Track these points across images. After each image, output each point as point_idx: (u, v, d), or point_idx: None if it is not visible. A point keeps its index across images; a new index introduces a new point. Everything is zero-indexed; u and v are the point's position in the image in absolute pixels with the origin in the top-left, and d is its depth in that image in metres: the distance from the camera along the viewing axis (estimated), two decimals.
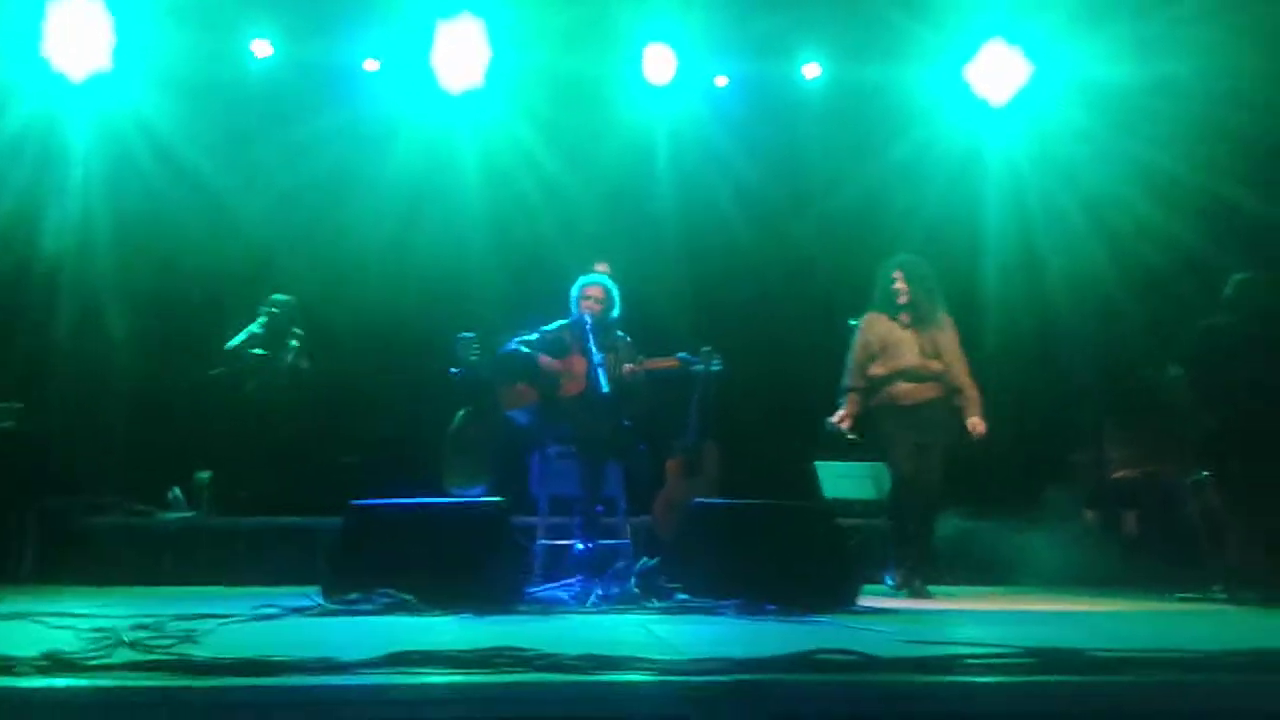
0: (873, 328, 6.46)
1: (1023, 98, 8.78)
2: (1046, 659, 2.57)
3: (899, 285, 6.42)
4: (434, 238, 8.34)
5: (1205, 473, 6.14)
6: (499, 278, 8.26)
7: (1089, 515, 7.72)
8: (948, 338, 6.43)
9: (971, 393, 6.34)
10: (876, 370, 6.35)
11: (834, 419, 6.37)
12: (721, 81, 9.04)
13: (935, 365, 6.33)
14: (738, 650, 2.68)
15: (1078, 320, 8.62)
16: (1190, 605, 5.73)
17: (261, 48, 8.34)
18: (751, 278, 8.93)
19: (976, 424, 6.26)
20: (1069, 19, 8.23)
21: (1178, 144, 7.88)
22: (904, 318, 6.43)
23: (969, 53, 8.76)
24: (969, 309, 7.84)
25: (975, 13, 8.45)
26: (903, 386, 6.30)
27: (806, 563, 4.77)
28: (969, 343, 6.69)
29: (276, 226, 8.36)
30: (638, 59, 8.69)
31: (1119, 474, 7.72)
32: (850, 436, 6.41)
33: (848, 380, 6.44)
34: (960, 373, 6.38)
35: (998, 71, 8.75)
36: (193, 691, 2.17)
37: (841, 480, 7.77)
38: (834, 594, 4.68)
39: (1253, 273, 6.47)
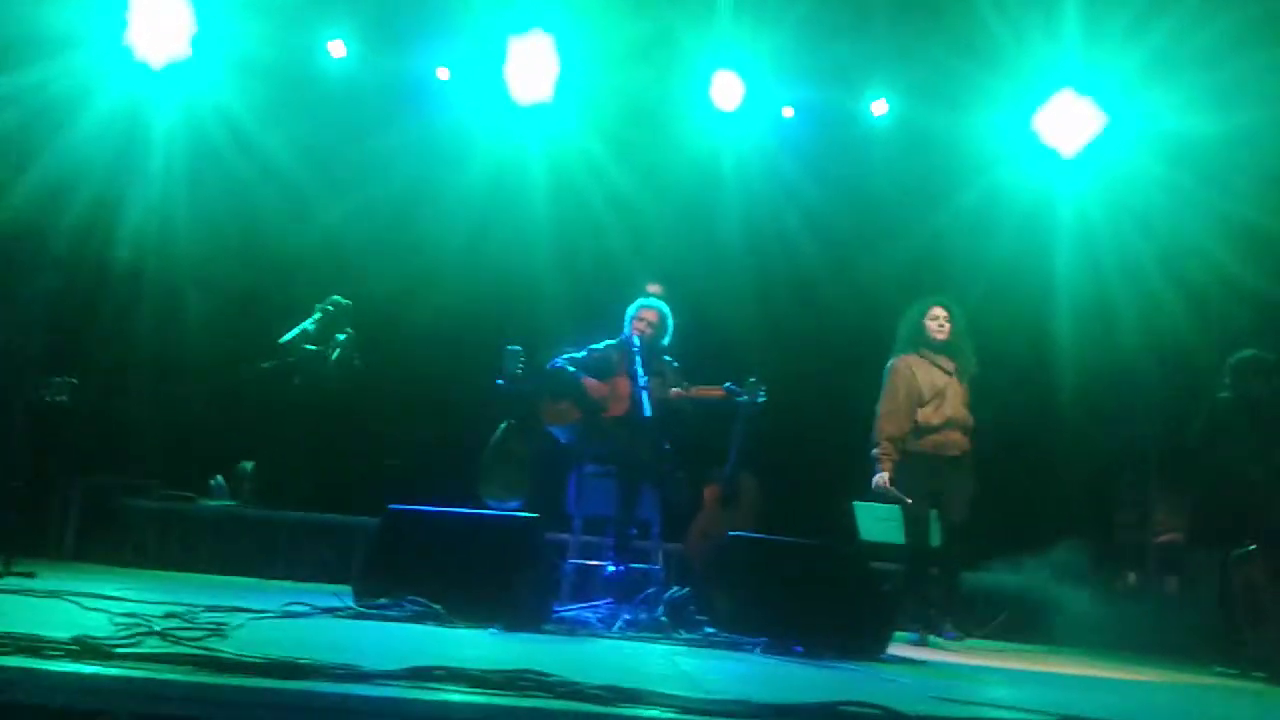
0: (915, 371, 6.27)
1: (1094, 148, 8.67)
2: None
3: (943, 325, 6.27)
4: (502, 249, 8.41)
5: (1251, 546, 5.99)
6: (560, 291, 8.30)
7: (1131, 579, 7.58)
8: (969, 391, 6.31)
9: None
10: (928, 416, 6.19)
11: (877, 483, 6.18)
12: (788, 113, 9.03)
13: (970, 418, 6.24)
14: (762, 693, 2.65)
15: (1151, 377, 8.45)
16: (1228, 681, 5.59)
17: (337, 49, 8.46)
18: (810, 311, 8.88)
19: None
20: (1141, 69, 8.11)
21: (1257, 195, 7.71)
22: (946, 362, 6.27)
23: (1038, 101, 8.67)
24: (1038, 362, 7.75)
25: (1045, 63, 8.35)
26: (952, 436, 6.17)
27: (838, 606, 4.71)
28: (1040, 398, 6.54)
29: (352, 229, 8.48)
30: (706, 83, 8.71)
31: (1165, 538, 7.58)
32: (908, 500, 6.19)
33: (888, 429, 6.19)
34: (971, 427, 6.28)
35: (1068, 122, 8.65)
36: (215, 689, 2.18)
37: (879, 523, 7.68)
38: (864, 640, 4.61)
39: (1251, 352, 6.58)
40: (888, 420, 6.23)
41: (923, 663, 4.68)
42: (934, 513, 6.25)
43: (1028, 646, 6.76)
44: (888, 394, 6.29)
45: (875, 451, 6.24)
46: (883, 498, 6.27)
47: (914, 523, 6.17)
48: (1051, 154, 8.76)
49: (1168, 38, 7.65)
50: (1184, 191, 8.09)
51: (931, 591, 6.18)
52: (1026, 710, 2.71)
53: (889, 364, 6.41)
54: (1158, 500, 8.18)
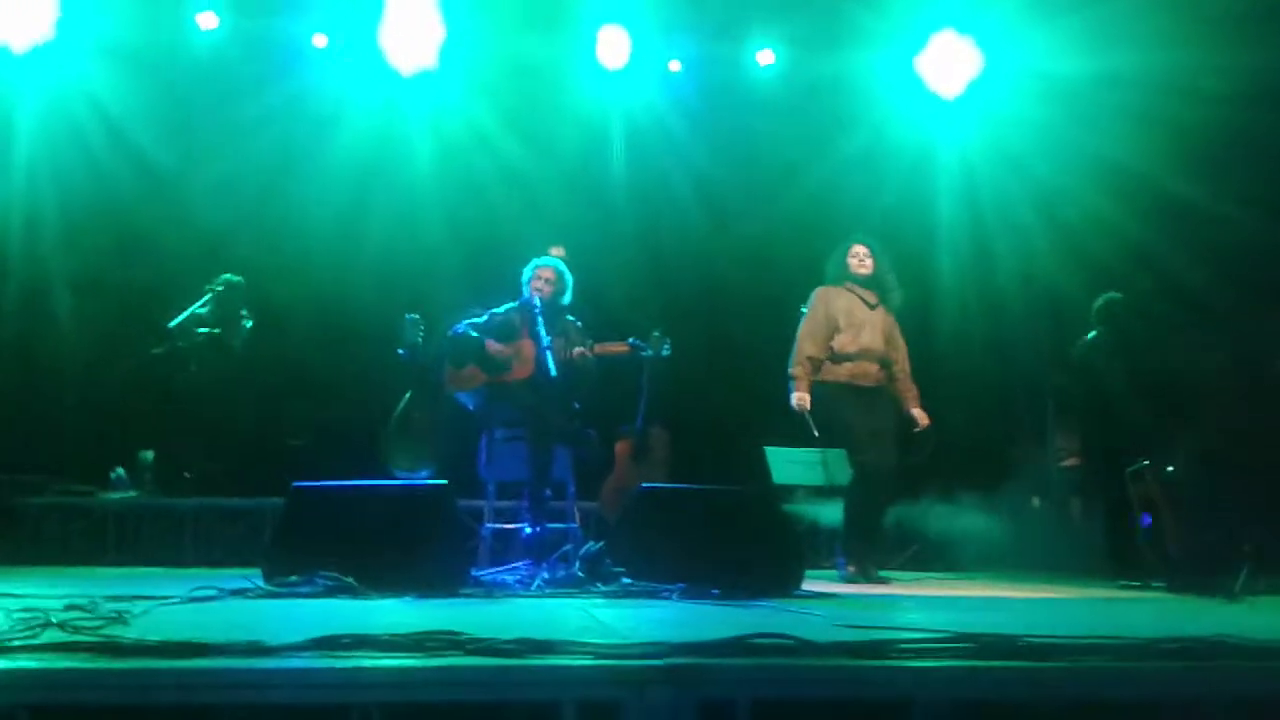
0: (834, 300, 6.33)
1: (974, 90, 8.83)
2: (979, 644, 2.59)
3: (864, 261, 6.35)
4: (386, 218, 8.26)
5: (1145, 461, 6.23)
6: (452, 260, 8.20)
7: (1036, 503, 7.82)
8: (895, 325, 6.42)
9: (914, 386, 6.37)
10: (843, 344, 6.23)
11: (796, 403, 6.20)
12: (675, 66, 9.01)
13: (891, 353, 6.32)
14: (676, 634, 2.68)
15: (1027, 312, 8.70)
16: (1130, 594, 5.81)
17: (207, 20, 8.19)
18: (706, 264, 8.93)
19: (922, 415, 6.29)
20: (1019, 9, 8.27)
21: (1126, 135, 7.94)
22: (868, 296, 6.34)
23: (919, 43, 8.78)
24: (923, 301, 7.90)
25: (925, 1, 8.47)
26: (866, 367, 6.24)
27: (751, 548, 4.77)
28: (923, 334, 6.71)
29: (224, 205, 8.23)
30: (592, 41, 8.64)
31: (1066, 463, 7.83)
32: (815, 434, 6.22)
33: (806, 349, 6.24)
34: (905, 362, 6.39)
35: (949, 63, 8.78)
36: (114, 674, 2.13)
37: (791, 466, 7.76)
38: (778, 579, 4.69)
39: (1116, 295, 7.03)
40: (804, 340, 6.30)
41: (835, 595, 4.79)
42: (841, 452, 6.34)
43: (940, 575, 6.94)
44: (807, 318, 6.36)
45: (791, 371, 6.29)
46: (799, 422, 6.28)
47: (855, 448, 6.15)
48: (933, 98, 8.90)
49: None
50: (1057, 132, 8.30)
51: (856, 532, 6.24)
52: (929, 630, 2.78)
53: (812, 292, 6.47)
54: (1056, 427, 8.45)
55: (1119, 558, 6.60)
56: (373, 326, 7.38)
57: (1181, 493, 6.06)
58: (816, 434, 6.20)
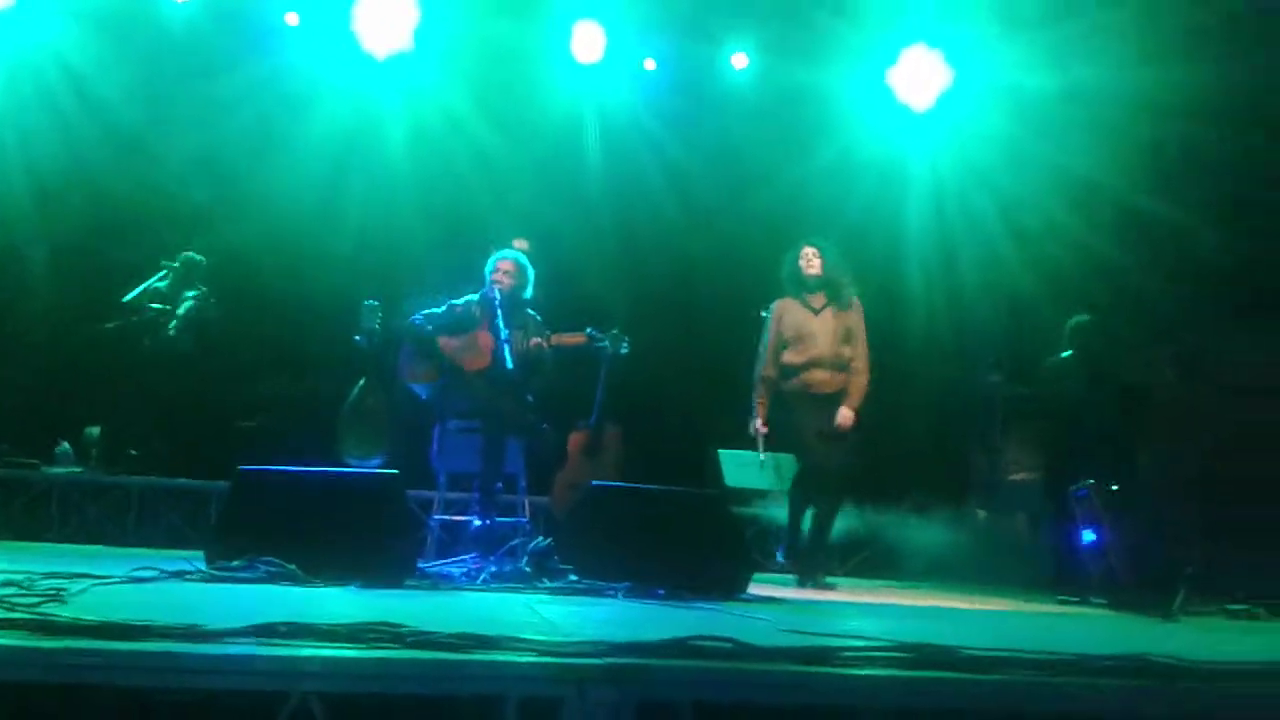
0: (785, 315, 6.40)
1: (944, 103, 8.92)
2: (920, 654, 2.60)
3: (812, 261, 6.37)
4: (359, 201, 8.22)
5: (1090, 480, 6.31)
6: (423, 244, 8.16)
7: (981, 514, 7.90)
8: (856, 321, 6.39)
9: (859, 380, 6.30)
10: (790, 358, 6.30)
11: (755, 424, 6.30)
12: (650, 65, 9.02)
13: (847, 352, 6.31)
14: (620, 633, 2.67)
15: (989, 323, 8.80)
16: (1070, 609, 5.88)
17: None
18: (675, 261, 8.97)
19: (846, 415, 6.22)
20: (989, 25, 8.36)
21: (1089, 149, 8.03)
22: (816, 300, 6.36)
23: (891, 57, 8.86)
24: (889, 309, 7.95)
25: (897, 15, 8.54)
26: (816, 375, 6.26)
27: (699, 549, 4.78)
28: (889, 342, 6.73)
29: (196, 180, 8.14)
30: (567, 34, 8.63)
31: (1015, 476, 7.91)
32: (760, 458, 6.36)
33: (760, 368, 6.38)
34: (859, 357, 6.35)
35: (920, 76, 8.86)
36: (47, 653, 2.09)
37: (743, 469, 7.81)
38: (724, 582, 4.70)
39: (1087, 317, 7.16)
40: (759, 363, 6.42)
41: (780, 600, 4.81)
42: (788, 457, 6.39)
43: (886, 582, 6.99)
44: (763, 340, 6.45)
45: (753, 395, 6.39)
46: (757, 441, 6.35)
47: (802, 450, 6.26)
48: (904, 110, 8.98)
49: None
50: (1023, 146, 8.40)
51: (797, 528, 6.29)
52: (871, 639, 2.79)
53: (768, 310, 6.52)
54: (1008, 440, 8.54)
55: (1062, 573, 6.70)
56: (336, 310, 7.31)
57: (1125, 511, 6.15)
58: (761, 459, 6.34)
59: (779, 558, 6.33)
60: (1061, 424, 7.15)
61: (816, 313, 6.35)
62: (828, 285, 6.38)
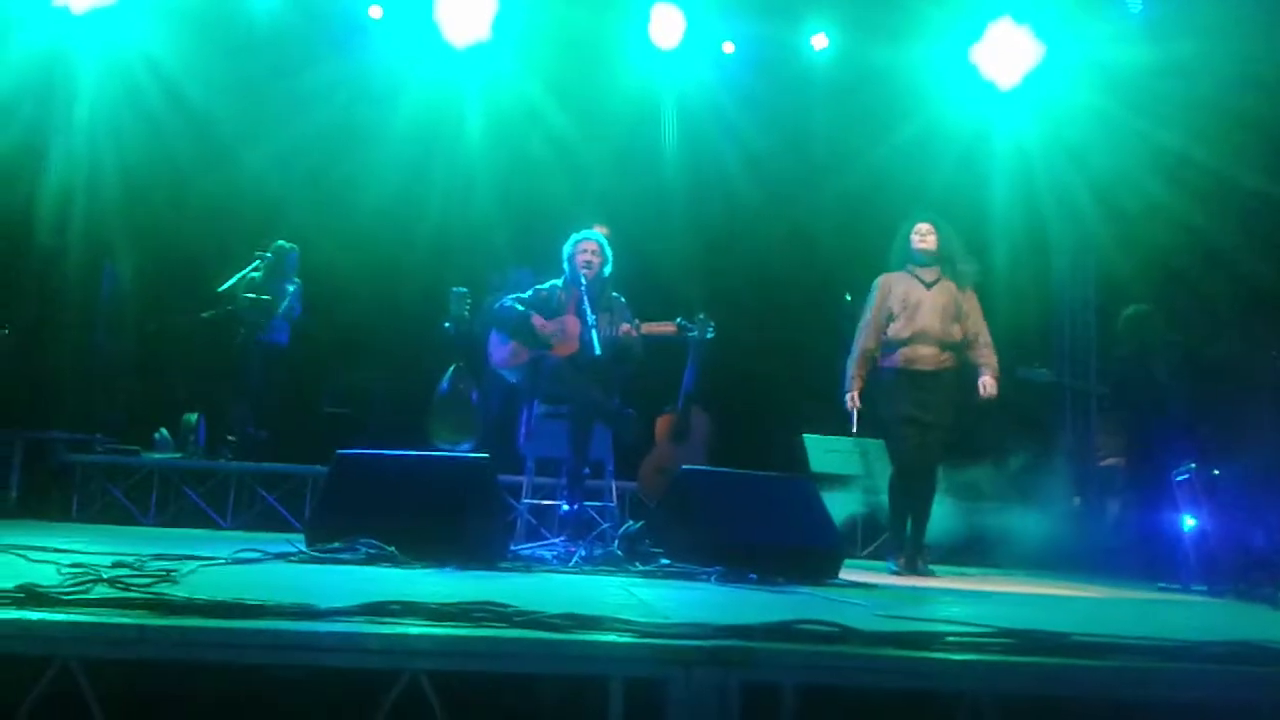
0: (893, 286, 6.14)
1: (1032, 80, 8.72)
2: (1025, 640, 2.56)
3: (926, 237, 6.15)
4: (440, 191, 8.31)
5: (1191, 465, 6.15)
6: (503, 234, 8.23)
7: (1075, 501, 7.76)
8: (972, 303, 6.19)
9: (992, 356, 6.11)
10: (896, 330, 6.05)
11: (848, 403, 6.09)
12: (729, 48, 8.97)
13: (956, 332, 6.07)
14: (718, 616, 2.67)
15: (1081, 305, 8.61)
16: (1170, 596, 5.75)
17: None
18: (754, 247, 8.91)
19: (989, 383, 6.03)
20: None
21: (1186, 124, 7.77)
22: (928, 274, 6.13)
23: (976, 32, 8.68)
24: (979, 293, 7.79)
25: None
26: (921, 350, 6.02)
27: (790, 534, 4.76)
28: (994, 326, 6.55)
29: (283, 174, 8.32)
30: (645, 20, 8.62)
31: (1107, 461, 7.75)
32: (854, 431, 6.17)
33: (860, 341, 6.13)
34: (984, 332, 6.15)
35: (1006, 53, 8.68)
36: (166, 630, 2.15)
37: (829, 454, 7.78)
38: (816, 567, 4.67)
39: (1144, 306, 7.00)
40: (861, 335, 6.17)
41: (873, 586, 4.76)
42: (880, 442, 6.26)
43: (979, 570, 6.90)
44: (865, 310, 6.22)
45: (848, 368, 6.18)
46: (847, 416, 6.17)
47: (896, 443, 6.06)
48: (989, 87, 8.81)
49: None
50: (1117, 122, 8.16)
51: (901, 527, 6.13)
52: (972, 624, 2.76)
53: (874, 282, 6.30)
54: (1098, 426, 8.38)
55: (1156, 560, 6.54)
56: (423, 298, 7.40)
57: (1227, 497, 5.98)
58: (854, 431, 6.15)
59: (890, 567, 6.07)
60: (1143, 412, 6.97)
61: (928, 286, 6.13)
62: (942, 261, 6.17)
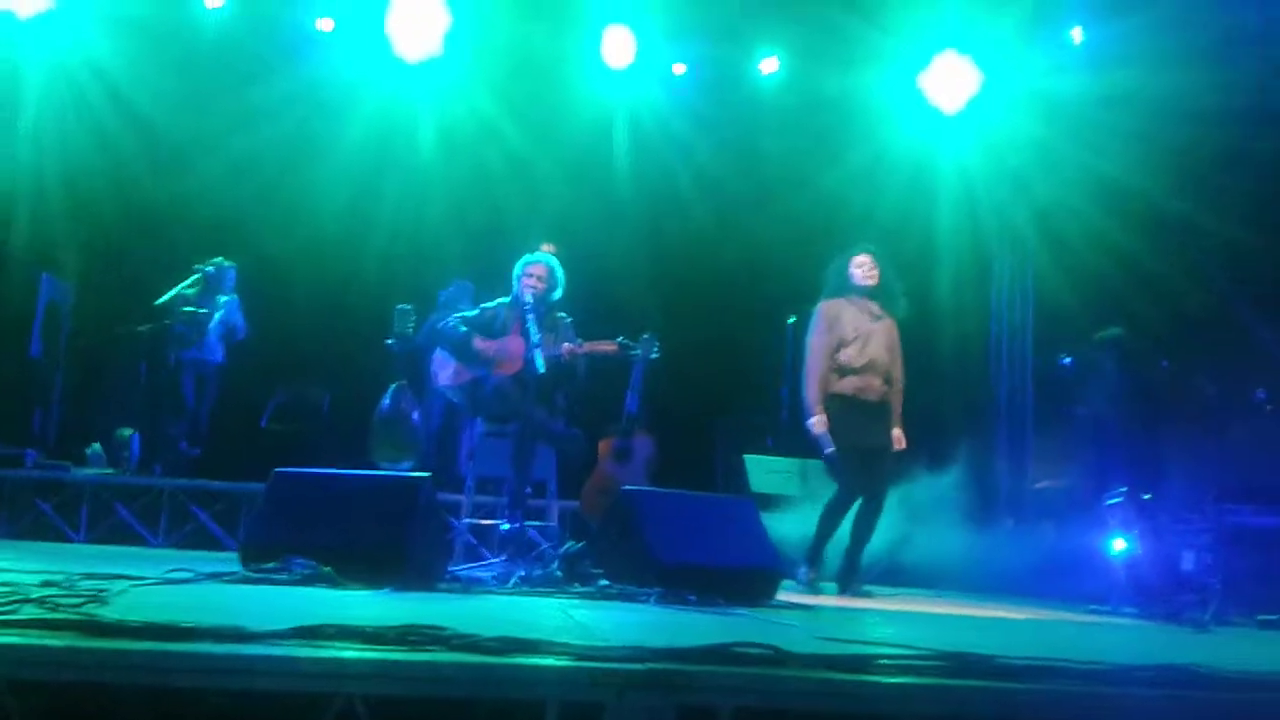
0: (841, 313, 6.19)
1: (974, 106, 8.89)
2: (958, 663, 2.60)
3: (868, 269, 6.22)
4: (391, 206, 8.29)
5: (1123, 489, 6.27)
6: (455, 249, 8.20)
7: (1008, 524, 7.86)
8: (897, 336, 6.28)
9: (899, 401, 6.24)
10: (849, 357, 6.10)
11: (816, 427, 6.08)
12: (679, 69, 9.04)
13: (895, 367, 6.19)
14: (656, 639, 2.67)
15: (1019, 327, 8.75)
16: (1100, 618, 5.84)
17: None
18: (704, 267, 8.98)
19: (900, 437, 6.16)
20: (1018, 30, 8.32)
21: (1125, 154, 7.94)
22: (873, 306, 6.22)
23: (922, 62, 8.84)
24: (923, 315, 7.89)
25: (928, 22, 8.52)
26: (871, 380, 6.10)
27: (729, 554, 4.78)
28: (924, 348, 6.63)
29: (232, 187, 8.26)
30: (597, 39, 8.66)
31: (1041, 484, 7.87)
32: (826, 454, 6.14)
33: (816, 367, 6.12)
34: (900, 376, 6.26)
35: (950, 81, 8.84)
36: (97, 653, 2.11)
37: (770, 475, 7.82)
38: (755, 587, 4.70)
39: (1119, 330, 7.01)
40: (812, 362, 6.18)
41: (811, 607, 4.79)
42: (816, 463, 6.30)
43: (912, 591, 6.96)
44: (815, 334, 6.23)
45: (806, 395, 6.17)
46: (817, 443, 6.16)
47: (845, 470, 6.09)
48: (935, 112, 8.95)
49: None
50: (1056, 150, 8.33)
51: (822, 543, 6.20)
52: (908, 646, 2.79)
53: (816, 308, 6.33)
54: (1034, 448, 8.51)
55: (1091, 583, 6.65)
56: (369, 314, 7.35)
57: (1158, 521, 6.11)
58: (827, 453, 6.12)
59: (799, 577, 6.11)
60: (1089, 435, 7.10)
61: (875, 318, 6.22)
62: (883, 295, 6.26)
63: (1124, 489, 6.25)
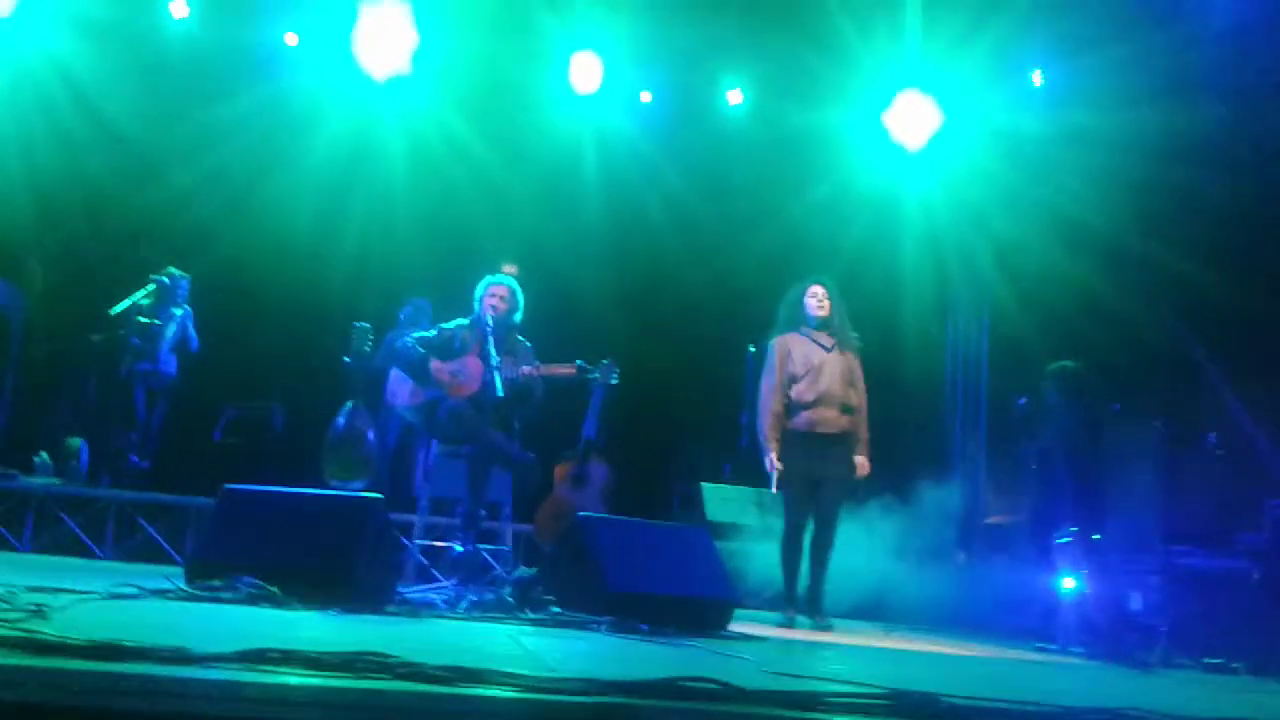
0: (791, 348, 6.21)
1: (936, 144, 9.01)
2: (904, 702, 2.61)
3: (823, 302, 6.26)
4: (357, 223, 8.25)
5: (1074, 529, 6.33)
6: (419, 268, 8.18)
7: (960, 557, 7.91)
8: (858, 366, 6.30)
9: (864, 429, 6.24)
10: (800, 393, 6.11)
11: (770, 460, 6.09)
12: (646, 97, 9.10)
13: (854, 397, 6.19)
14: (605, 670, 2.66)
15: (975, 361, 8.84)
16: (1049, 658, 5.89)
17: (178, 7, 8.11)
18: (667, 292, 9.02)
19: (863, 464, 6.18)
20: (979, 69, 8.46)
21: (1083, 192, 8.04)
22: (825, 338, 6.25)
23: (885, 100, 8.95)
24: (884, 349, 7.93)
25: (890, 61, 8.63)
26: (825, 413, 6.10)
27: (683, 584, 4.78)
28: (884, 382, 6.65)
29: (195, 198, 8.18)
30: (565, 64, 8.70)
31: (993, 519, 7.94)
32: (774, 491, 6.17)
33: (769, 404, 6.15)
34: (864, 405, 6.27)
35: (913, 118, 8.96)
36: (36, 672, 2.07)
37: (726, 504, 7.83)
38: (707, 617, 4.70)
39: (1071, 362, 7.03)
40: (765, 398, 6.20)
41: (763, 639, 4.80)
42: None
43: (861, 623, 6.98)
44: (766, 372, 6.26)
45: (761, 433, 6.19)
46: (767, 478, 6.19)
47: (791, 503, 6.13)
48: (898, 149, 9.06)
49: (1002, 40, 7.99)
50: (1015, 186, 8.45)
51: (794, 581, 6.17)
52: (859, 684, 2.80)
53: (768, 344, 6.36)
54: (989, 484, 8.59)
55: (1041, 621, 6.70)
56: (330, 331, 7.29)
57: (1106, 562, 6.17)
58: (775, 490, 6.16)
59: (779, 619, 6.09)
60: (1035, 470, 7.17)
61: (828, 350, 6.23)
62: (834, 327, 6.29)
63: (1074, 528, 6.31)
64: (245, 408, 7.92)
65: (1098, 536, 6.22)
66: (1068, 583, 6.20)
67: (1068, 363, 7.22)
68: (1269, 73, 7.20)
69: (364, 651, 2.39)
